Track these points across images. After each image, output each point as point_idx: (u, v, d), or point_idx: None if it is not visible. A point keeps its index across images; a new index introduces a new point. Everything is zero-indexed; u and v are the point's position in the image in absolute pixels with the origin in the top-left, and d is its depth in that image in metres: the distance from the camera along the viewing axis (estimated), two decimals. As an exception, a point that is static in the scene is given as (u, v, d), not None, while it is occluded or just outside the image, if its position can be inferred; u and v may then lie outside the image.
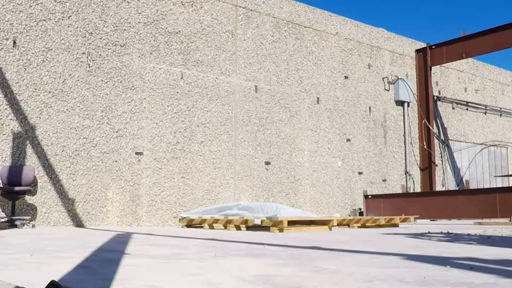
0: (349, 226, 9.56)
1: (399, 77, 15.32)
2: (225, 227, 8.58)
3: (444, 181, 16.34)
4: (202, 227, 9.15)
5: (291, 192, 12.10)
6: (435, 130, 16.05)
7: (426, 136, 15.58)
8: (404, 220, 10.40)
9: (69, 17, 9.52)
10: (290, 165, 12.20)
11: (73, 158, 9.31)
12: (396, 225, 10.02)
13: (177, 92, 10.49)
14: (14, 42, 8.88)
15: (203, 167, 10.69)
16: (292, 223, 7.91)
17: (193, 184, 10.48)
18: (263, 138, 11.78)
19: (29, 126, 8.92)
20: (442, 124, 16.74)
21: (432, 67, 15.90)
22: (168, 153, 10.23)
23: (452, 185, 16.69)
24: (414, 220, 10.85)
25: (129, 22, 10.25)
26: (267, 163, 11.76)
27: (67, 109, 9.32)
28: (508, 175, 15.59)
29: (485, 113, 18.43)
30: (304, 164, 12.59)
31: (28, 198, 8.77)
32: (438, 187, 15.80)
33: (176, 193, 10.22)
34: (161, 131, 10.20)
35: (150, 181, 9.91)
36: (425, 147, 15.50)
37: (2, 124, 8.66)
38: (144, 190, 9.75)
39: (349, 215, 12.81)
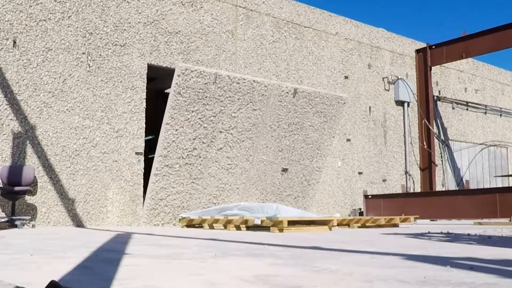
0: (349, 226, 9.56)
1: (399, 77, 15.32)
2: (225, 227, 8.58)
3: (444, 181, 16.34)
4: (202, 227, 9.14)
5: (300, 195, 11.71)
6: (435, 130, 16.05)
7: (426, 136, 15.59)
8: (404, 220, 10.40)
9: (69, 17, 9.52)
10: (307, 170, 11.52)
11: (73, 158, 9.30)
12: (396, 225, 10.02)
13: (206, 97, 9.43)
14: (14, 42, 8.88)
15: (215, 173, 10.01)
16: (292, 223, 7.91)
17: (202, 189, 9.91)
18: (287, 144, 10.93)
19: (29, 126, 8.92)
20: (442, 124, 16.75)
21: (432, 67, 15.90)
22: (182, 159, 9.55)
23: (452, 185, 16.69)
24: (414, 220, 10.85)
25: (129, 22, 10.25)
26: (284, 169, 11.03)
27: (67, 109, 9.32)
28: (508, 175, 15.59)
29: (485, 113, 18.43)
30: (322, 169, 12.05)
31: (28, 198, 8.77)
32: (438, 187, 15.80)
33: (182, 198, 9.77)
34: (179, 137, 9.32)
35: (157, 186, 9.37)
36: (425, 147, 15.50)
37: (2, 124, 8.66)
38: (150, 195, 9.34)
39: (349, 215, 12.81)
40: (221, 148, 9.89)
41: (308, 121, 11.13)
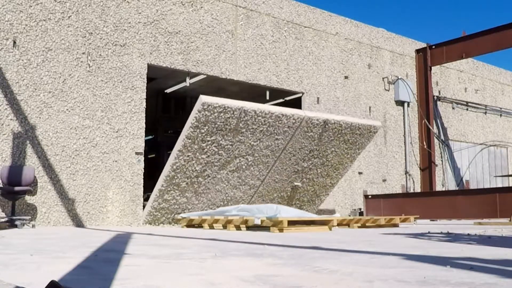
0: (349, 226, 9.56)
1: (399, 77, 15.32)
2: (225, 227, 8.57)
3: (444, 181, 16.34)
4: (202, 227, 9.14)
5: (306, 204, 11.51)
6: (435, 130, 16.05)
7: (426, 136, 15.59)
8: (404, 220, 10.39)
9: (69, 17, 9.52)
10: (319, 185, 11.22)
11: (73, 158, 9.31)
12: (396, 225, 10.02)
13: (226, 129, 8.77)
14: (14, 42, 8.88)
15: (223, 189, 9.72)
16: (292, 223, 7.90)
17: (206, 201, 9.74)
18: (305, 166, 10.50)
19: (29, 126, 8.92)
20: (442, 124, 16.75)
21: (432, 67, 15.90)
22: (190, 179, 9.20)
23: (452, 185, 16.69)
24: (414, 220, 10.85)
25: (129, 22, 10.25)
26: (296, 185, 10.65)
27: (67, 109, 9.33)
28: (508, 175, 15.59)
29: (485, 113, 18.43)
30: (336, 184, 11.72)
31: (28, 198, 8.77)
32: (438, 187, 15.80)
33: (184, 206, 9.63)
34: (190, 162, 8.87)
35: (161, 198, 9.20)
36: (425, 147, 15.50)
37: (2, 124, 8.66)
38: (152, 204, 9.27)
39: (349, 215, 12.80)
40: (233, 170, 9.33)
41: (332, 148, 10.39)
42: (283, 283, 2.29)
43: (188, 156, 8.62)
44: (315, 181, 10.88)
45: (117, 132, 9.87)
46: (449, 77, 17.29)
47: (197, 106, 8.24)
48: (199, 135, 8.41)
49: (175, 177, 8.81)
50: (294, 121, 9.30)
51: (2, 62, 8.75)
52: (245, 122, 8.76)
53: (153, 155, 17.12)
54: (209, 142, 8.59)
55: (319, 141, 10.02)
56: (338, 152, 10.58)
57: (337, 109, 13.66)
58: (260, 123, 8.93)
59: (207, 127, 8.38)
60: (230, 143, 8.83)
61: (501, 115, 19.06)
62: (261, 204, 10.22)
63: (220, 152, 8.81)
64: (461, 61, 17.11)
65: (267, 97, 13.22)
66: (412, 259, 3.33)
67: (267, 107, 9.07)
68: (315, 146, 10.06)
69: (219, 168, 9.04)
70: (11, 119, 8.76)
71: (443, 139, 16.65)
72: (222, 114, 8.39)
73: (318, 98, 13.24)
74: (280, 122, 9.16)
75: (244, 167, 9.35)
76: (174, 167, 8.66)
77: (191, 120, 8.32)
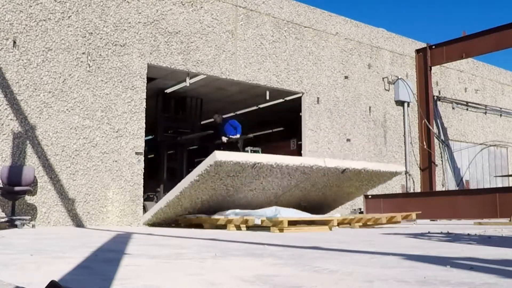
0: (350, 225, 9.56)
1: (399, 77, 15.32)
2: (225, 227, 8.56)
3: (444, 181, 16.34)
4: (202, 227, 9.13)
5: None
6: (435, 130, 16.05)
7: (426, 136, 15.58)
8: (405, 217, 10.37)
9: (69, 17, 9.52)
10: (326, 205, 10.91)
11: (73, 158, 9.31)
12: (398, 222, 10.02)
13: (238, 176, 8.34)
14: (14, 42, 8.88)
15: (226, 208, 9.30)
16: (292, 223, 7.90)
17: (207, 212, 9.38)
18: (313, 196, 10.11)
19: (29, 126, 8.92)
20: (442, 124, 16.74)
21: (432, 67, 15.90)
22: (195, 202, 8.89)
23: (452, 185, 16.69)
24: (415, 219, 10.84)
25: (129, 22, 10.25)
26: (302, 206, 10.25)
27: (67, 109, 9.32)
28: (508, 175, 15.60)
29: (485, 113, 18.43)
30: (343, 204, 11.49)
31: (28, 198, 8.77)
32: (438, 187, 15.80)
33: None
34: (196, 193, 8.52)
35: (162, 211, 9.08)
36: (425, 147, 15.50)
37: (2, 124, 8.66)
38: (152, 213, 9.20)
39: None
40: (240, 198, 9.12)
41: (344, 184, 10.01)
42: (283, 283, 2.29)
43: (195, 191, 8.43)
44: (324, 203, 10.74)
45: (117, 132, 9.86)
46: (449, 77, 17.29)
47: (209, 161, 7.79)
48: (209, 179, 8.14)
49: (180, 201, 8.70)
50: (311, 170, 8.92)
51: (2, 62, 8.75)
52: (259, 172, 8.41)
53: (153, 155, 17.11)
54: (219, 183, 8.34)
55: (335, 180, 9.66)
56: (353, 186, 10.32)
57: (337, 109, 13.66)
58: (275, 172, 8.58)
59: (218, 175, 8.08)
60: (241, 183, 8.56)
61: (501, 115, 19.06)
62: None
63: (229, 188, 8.58)
64: (461, 61, 17.10)
65: (267, 97, 13.22)
66: (412, 259, 3.33)
67: (286, 161, 8.53)
68: (326, 182, 9.70)
69: (225, 197, 8.91)
70: (11, 119, 8.76)
71: (443, 139, 16.65)
72: (236, 166, 7.98)
73: (318, 98, 13.24)
74: (296, 170, 8.79)
75: (251, 195, 9.17)
76: (179, 195, 8.49)
77: (201, 170, 7.93)
